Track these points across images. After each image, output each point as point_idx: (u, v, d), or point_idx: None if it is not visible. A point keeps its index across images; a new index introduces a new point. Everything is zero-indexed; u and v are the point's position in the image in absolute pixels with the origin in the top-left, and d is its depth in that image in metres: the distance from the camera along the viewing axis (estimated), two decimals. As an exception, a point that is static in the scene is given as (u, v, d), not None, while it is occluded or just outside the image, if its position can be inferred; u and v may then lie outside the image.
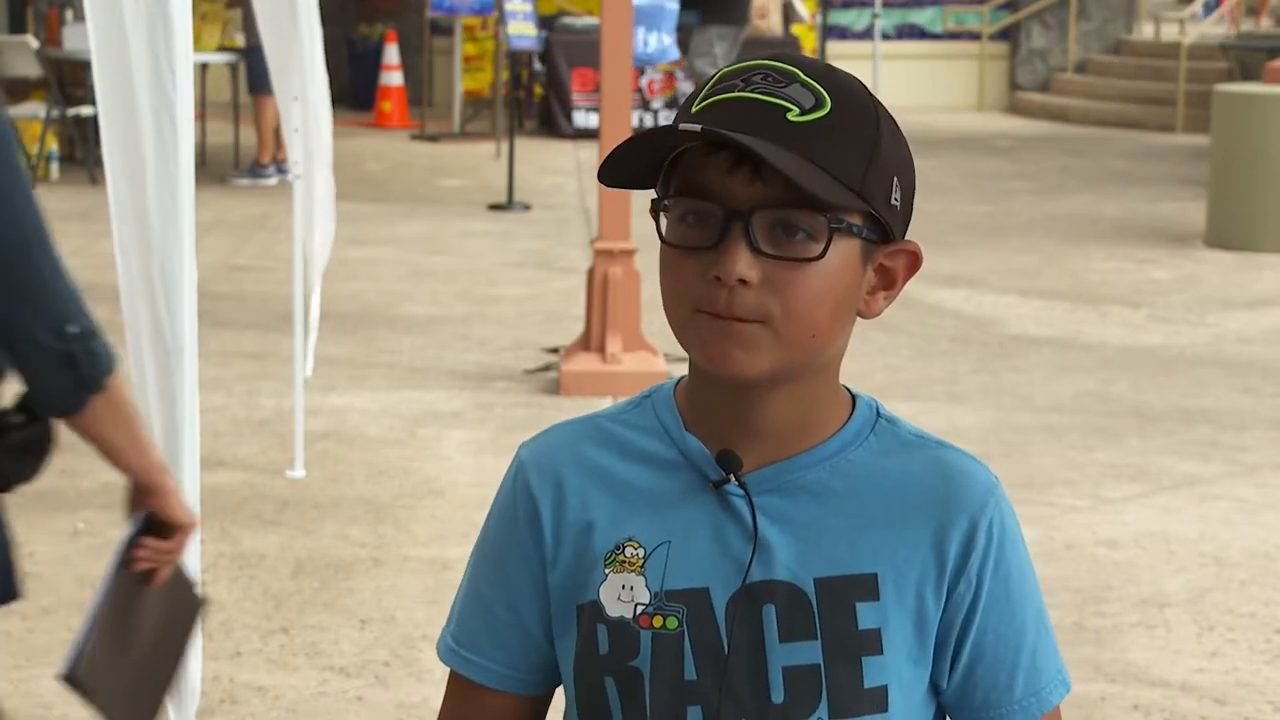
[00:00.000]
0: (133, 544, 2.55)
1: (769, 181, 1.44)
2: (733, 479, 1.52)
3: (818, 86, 1.47)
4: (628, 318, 6.93)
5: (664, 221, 1.49)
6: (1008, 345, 7.90)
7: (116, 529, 5.17)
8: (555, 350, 7.47)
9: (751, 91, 1.46)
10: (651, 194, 1.54)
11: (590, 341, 6.97)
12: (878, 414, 1.58)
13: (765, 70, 1.48)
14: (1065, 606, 4.68)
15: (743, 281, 1.45)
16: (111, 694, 2.49)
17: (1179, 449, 6.26)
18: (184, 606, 2.69)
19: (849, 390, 1.59)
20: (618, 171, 1.51)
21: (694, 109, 1.48)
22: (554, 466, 1.59)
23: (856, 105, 1.48)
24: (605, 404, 6.68)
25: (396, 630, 4.48)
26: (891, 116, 1.52)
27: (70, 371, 2.36)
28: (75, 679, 2.43)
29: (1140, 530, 5.38)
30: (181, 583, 2.66)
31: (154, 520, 2.58)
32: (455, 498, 5.57)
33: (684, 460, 1.55)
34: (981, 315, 8.54)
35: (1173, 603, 4.78)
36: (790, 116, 1.45)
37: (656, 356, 6.95)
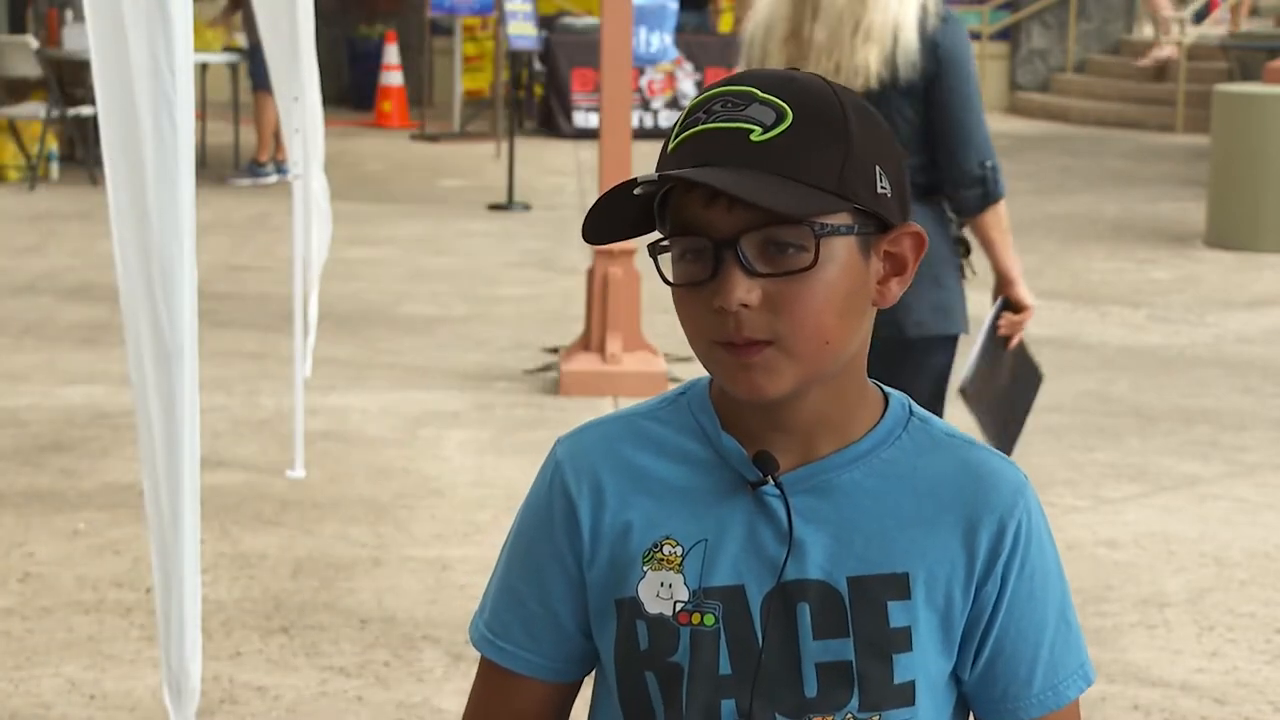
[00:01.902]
0: (997, 318, 4.11)
1: (747, 205, 1.46)
2: (770, 480, 1.55)
3: (776, 100, 1.49)
4: (628, 318, 6.93)
5: (665, 263, 1.53)
6: (1008, 345, 7.89)
7: (116, 529, 5.20)
8: (555, 350, 7.47)
9: (713, 121, 1.50)
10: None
11: (590, 341, 6.97)
12: (910, 412, 1.61)
13: (724, 97, 1.51)
14: (1065, 606, 4.67)
15: (745, 306, 1.48)
16: (982, 413, 4.07)
17: (1179, 449, 6.26)
18: (1029, 374, 4.22)
19: (880, 387, 1.62)
20: (602, 230, 1.55)
21: (669, 148, 1.52)
22: (591, 467, 1.62)
23: (820, 109, 1.50)
24: (605, 404, 6.70)
25: (396, 630, 4.48)
26: (865, 107, 1.54)
27: (981, 188, 3.90)
28: (966, 394, 4.05)
29: (1140, 530, 5.38)
30: (1025, 356, 4.20)
31: (1009, 302, 4.10)
32: (455, 498, 5.57)
33: (719, 460, 1.58)
34: (982, 315, 8.52)
35: (1173, 603, 4.78)
36: (753, 137, 1.48)
37: (656, 356, 6.95)
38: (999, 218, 3.98)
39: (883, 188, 1.52)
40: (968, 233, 4.05)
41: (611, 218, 1.54)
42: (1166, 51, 17.27)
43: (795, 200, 1.46)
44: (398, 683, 4.18)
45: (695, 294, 1.51)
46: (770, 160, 1.47)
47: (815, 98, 1.51)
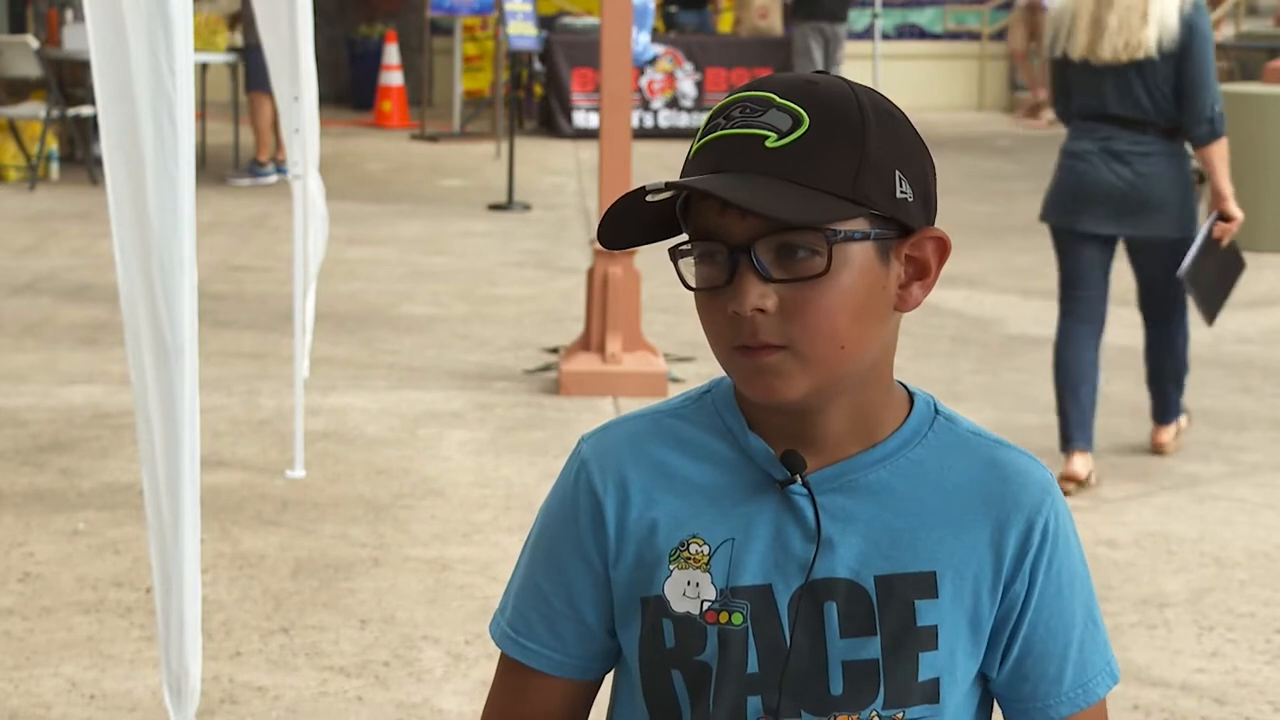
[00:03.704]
0: (1213, 225, 5.71)
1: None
2: (797, 479, 1.56)
3: (794, 106, 1.50)
4: (628, 318, 6.93)
5: (685, 267, 1.54)
6: (1008, 345, 7.90)
7: (116, 529, 5.20)
8: (555, 350, 7.47)
9: (731, 127, 1.51)
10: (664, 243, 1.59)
11: (590, 341, 6.97)
12: (935, 411, 1.62)
13: (743, 103, 1.52)
14: (1065, 606, 4.67)
15: (760, 311, 1.49)
16: (1194, 291, 5.80)
17: (1179, 449, 6.26)
18: (1235, 263, 5.95)
19: (905, 387, 1.62)
20: (624, 233, 1.56)
21: (692, 152, 1.54)
22: (617, 465, 1.61)
23: (837, 114, 1.50)
24: (605, 404, 6.70)
25: (396, 630, 4.48)
26: (889, 111, 1.54)
27: (1210, 126, 5.52)
28: (1185, 277, 5.72)
29: (1140, 530, 5.38)
30: (1234, 251, 5.90)
31: (1222, 214, 5.70)
32: (455, 498, 5.57)
33: (745, 459, 1.59)
34: (982, 315, 8.54)
35: (1173, 603, 4.78)
36: (768, 143, 1.48)
37: (656, 356, 6.94)
38: (1222, 149, 5.58)
39: (903, 192, 1.51)
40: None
41: (627, 222, 1.55)
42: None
43: (803, 207, 1.47)
44: (398, 683, 4.18)
45: (713, 299, 1.51)
46: (784, 166, 1.48)
47: (834, 103, 1.51)
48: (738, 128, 1.50)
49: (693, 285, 1.53)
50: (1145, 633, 4.56)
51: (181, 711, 3.29)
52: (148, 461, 3.26)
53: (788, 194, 1.46)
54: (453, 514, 5.41)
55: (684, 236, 1.55)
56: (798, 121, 1.49)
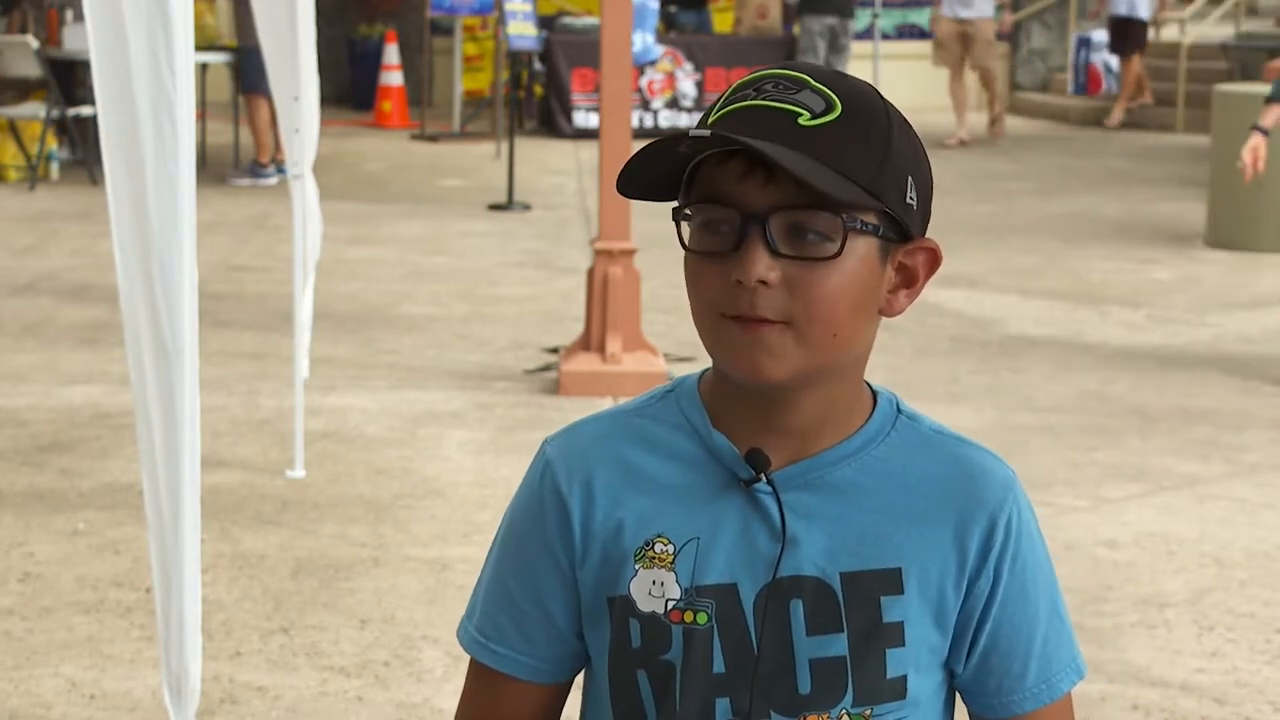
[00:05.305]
0: None
1: (782, 185, 1.47)
2: (762, 477, 1.55)
3: (828, 91, 1.50)
4: (628, 318, 6.93)
5: (685, 230, 1.53)
6: (1008, 345, 7.90)
7: (116, 529, 5.20)
8: (555, 350, 7.47)
9: (763, 99, 1.50)
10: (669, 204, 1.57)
11: (590, 341, 6.97)
12: (898, 410, 1.62)
13: (776, 79, 1.52)
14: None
15: (763, 283, 1.48)
16: None
17: (1179, 449, 6.26)
18: None
19: (869, 386, 1.63)
20: (634, 182, 1.54)
21: (710, 119, 1.52)
22: (583, 464, 1.61)
23: (867, 108, 1.51)
24: (605, 404, 6.69)
25: (396, 630, 4.48)
26: (905, 119, 1.56)
27: None
28: None
29: (1140, 530, 5.38)
30: None
31: None
32: (455, 498, 5.57)
33: (711, 457, 1.58)
34: (982, 315, 8.54)
35: (1173, 603, 4.78)
36: (801, 121, 1.48)
37: (656, 356, 6.94)
38: None
39: (910, 198, 1.53)
40: None
41: (645, 174, 1.53)
42: (963, 135, 16.35)
43: (837, 186, 1.47)
44: (398, 683, 4.18)
45: (713, 265, 1.50)
46: (814, 145, 1.48)
47: (863, 97, 1.52)
48: (771, 100, 1.50)
49: (693, 248, 1.52)
50: (1145, 633, 4.56)
51: (181, 711, 3.29)
52: (148, 461, 3.26)
53: (819, 171, 1.47)
54: (453, 514, 5.42)
55: (683, 200, 1.54)
56: (830, 106, 1.49)
